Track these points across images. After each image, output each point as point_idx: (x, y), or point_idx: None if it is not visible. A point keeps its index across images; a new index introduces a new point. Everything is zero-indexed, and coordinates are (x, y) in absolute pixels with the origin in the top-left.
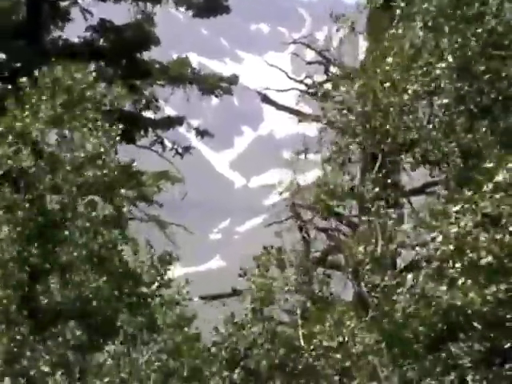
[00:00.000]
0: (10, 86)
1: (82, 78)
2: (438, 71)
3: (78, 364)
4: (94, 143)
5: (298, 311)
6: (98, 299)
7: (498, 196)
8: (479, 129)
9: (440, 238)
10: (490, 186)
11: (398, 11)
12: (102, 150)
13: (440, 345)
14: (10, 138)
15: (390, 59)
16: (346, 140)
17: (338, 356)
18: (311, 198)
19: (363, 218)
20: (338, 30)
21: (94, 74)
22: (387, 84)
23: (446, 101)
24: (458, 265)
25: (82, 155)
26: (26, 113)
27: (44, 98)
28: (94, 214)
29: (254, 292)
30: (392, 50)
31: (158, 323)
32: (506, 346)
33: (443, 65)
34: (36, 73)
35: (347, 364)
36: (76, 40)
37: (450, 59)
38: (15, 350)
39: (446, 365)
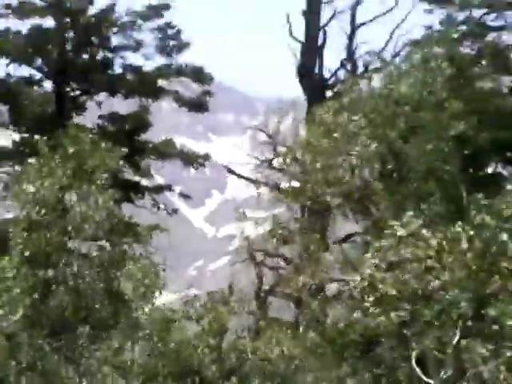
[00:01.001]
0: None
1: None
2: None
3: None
4: (103, 202)
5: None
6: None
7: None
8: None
9: (358, 277)
10: (393, 239)
11: (335, 104)
12: (109, 207)
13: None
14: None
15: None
16: (287, 199)
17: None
18: (264, 245)
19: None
20: (279, 122)
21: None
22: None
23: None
24: (371, 298)
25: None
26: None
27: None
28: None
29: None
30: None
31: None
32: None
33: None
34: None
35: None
36: (90, 125)
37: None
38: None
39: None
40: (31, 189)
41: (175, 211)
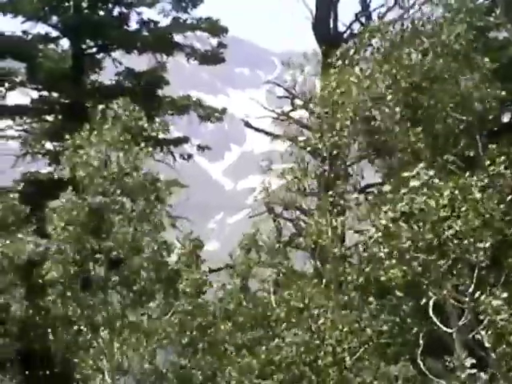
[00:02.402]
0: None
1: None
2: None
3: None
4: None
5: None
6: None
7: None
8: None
9: (373, 229)
10: (405, 190)
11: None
12: (138, 163)
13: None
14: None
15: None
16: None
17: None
18: (282, 197)
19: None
20: (295, 75)
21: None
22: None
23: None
24: (385, 250)
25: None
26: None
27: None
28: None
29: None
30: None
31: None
32: None
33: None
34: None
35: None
36: (108, 83)
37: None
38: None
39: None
40: (81, 152)
41: (190, 156)
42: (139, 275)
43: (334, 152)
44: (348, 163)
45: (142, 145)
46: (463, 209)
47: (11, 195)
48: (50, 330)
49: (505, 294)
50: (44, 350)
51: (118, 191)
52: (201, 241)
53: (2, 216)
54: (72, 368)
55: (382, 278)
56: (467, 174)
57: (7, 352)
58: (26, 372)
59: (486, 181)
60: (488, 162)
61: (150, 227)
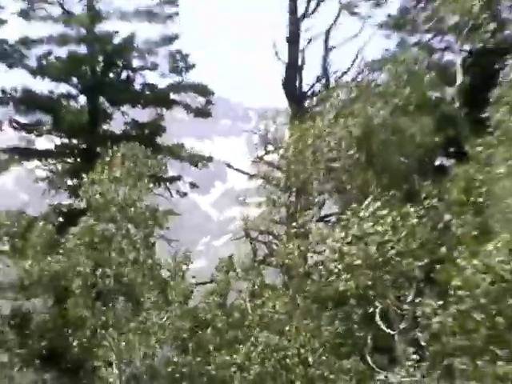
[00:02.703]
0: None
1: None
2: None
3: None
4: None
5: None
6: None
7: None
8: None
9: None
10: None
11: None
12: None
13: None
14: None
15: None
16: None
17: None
18: (257, 225)
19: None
20: (268, 126)
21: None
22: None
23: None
24: (340, 266)
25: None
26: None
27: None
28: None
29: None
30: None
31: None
32: None
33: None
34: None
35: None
36: (117, 131)
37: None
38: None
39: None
40: (96, 187)
41: (185, 194)
42: (138, 286)
43: (299, 187)
44: (310, 198)
45: (145, 181)
46: (403, 233)
47: (40, 223)
48: (69, 331)
49: (438, 302)
50: (63, 348)
51: (124, 219)
52: (189, 257)
53: (35, 240)
54: (85, 362)
55: (341, 288)
56: (407, 205)
57: (33, 349)
58: (48, 367)
59: (421, 212)
60: (424, 196)
61: (147, 248)
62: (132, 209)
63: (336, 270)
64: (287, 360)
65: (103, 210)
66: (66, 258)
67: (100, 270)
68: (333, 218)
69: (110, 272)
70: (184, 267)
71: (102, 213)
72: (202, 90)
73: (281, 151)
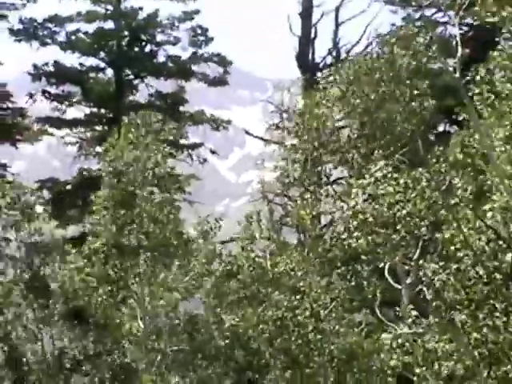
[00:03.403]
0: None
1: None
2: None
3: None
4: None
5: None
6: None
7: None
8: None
9: (345, 208)
10: (370, 178)
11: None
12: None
13: None
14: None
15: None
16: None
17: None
18: (274, 187)
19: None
20: (283, 96)
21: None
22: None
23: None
24: (355, 223)
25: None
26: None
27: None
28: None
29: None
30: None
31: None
32: None
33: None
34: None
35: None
36: (142, 101)
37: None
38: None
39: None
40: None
41: (205, 160)
42: (162, 244)
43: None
44: (319, 167)
45: (161, 147)
46: (412, 195)
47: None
48: (94, 289)
49: (440, 263)
50: (88, 306)
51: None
52: (219, 219)
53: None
54: (109, 318)
55: (353, 245)
56: (417, 169)
57: (60, 310)
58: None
59: (428, 175)
60: (434, 161)
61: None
62: (152, 171)
63: (350, 227)
64: (299, 317)
65: (123, 173)
66: (94, 219)
67: (125, 228)
68: (343, 181)
69: (134, 231)
70: (213, 229)
71: (123, 176)
72: (220, 61)
73: (294, 118)
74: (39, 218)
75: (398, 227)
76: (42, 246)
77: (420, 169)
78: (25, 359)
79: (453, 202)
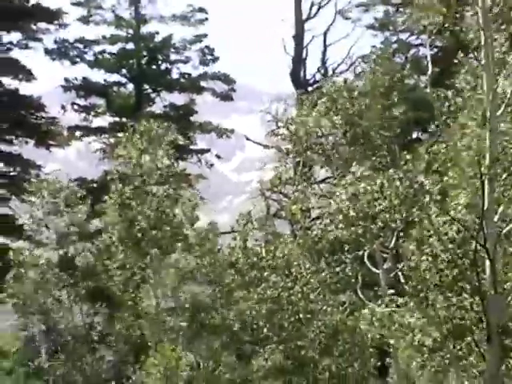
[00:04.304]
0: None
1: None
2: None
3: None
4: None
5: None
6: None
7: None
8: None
9: (333, 204)
10: (352, 178)
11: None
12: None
13: None
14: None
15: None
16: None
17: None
18: (271, 186)
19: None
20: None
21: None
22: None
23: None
24: (339, 217)
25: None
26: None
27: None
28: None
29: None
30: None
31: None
32: None
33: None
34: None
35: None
36: (159, 112)
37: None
38: None
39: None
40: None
41: (212, 165)
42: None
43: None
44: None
45: (164, 151)
46: (388, 192)
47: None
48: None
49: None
50: (106, 287)
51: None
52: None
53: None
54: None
55: (338, 235)
56: (390, 170)
57: (77, 290)
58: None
59: (401, 175)
60: (402, 163)
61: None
62: (158, 172)
63: (335, 220)
64: (292, 297)
65: (131, 175)
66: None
67: (136, 224)
68: (329, 181)
69: (142, 225)
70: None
71: (131, 177)
72: (225, 79)
73: (289, 127)
74: (79, 210)
75: (376, 220)
76: (74, 234)
77: (391, 170)
78: (60, 332)
79: (423, 199)
